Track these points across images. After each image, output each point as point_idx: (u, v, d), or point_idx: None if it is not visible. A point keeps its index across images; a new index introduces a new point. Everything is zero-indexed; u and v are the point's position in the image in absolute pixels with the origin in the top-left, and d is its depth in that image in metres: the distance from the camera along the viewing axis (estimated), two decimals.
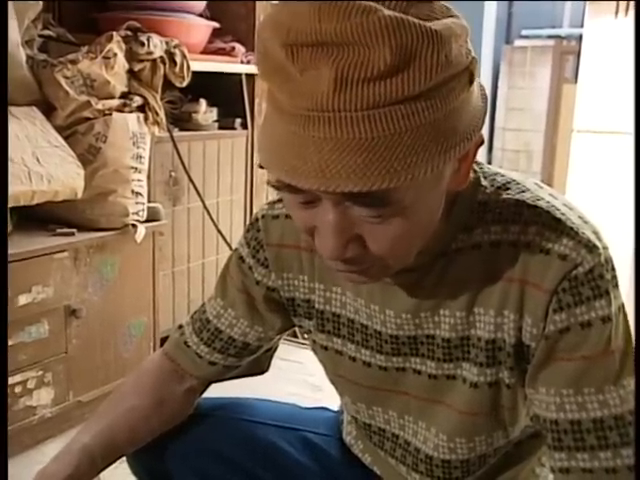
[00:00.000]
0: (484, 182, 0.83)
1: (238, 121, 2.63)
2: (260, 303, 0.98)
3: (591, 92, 3.10)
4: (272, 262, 0.95)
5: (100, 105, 1.99)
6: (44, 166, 1.82)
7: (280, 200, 0.93)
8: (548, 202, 0.80)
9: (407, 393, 0.90)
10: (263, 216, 0.96)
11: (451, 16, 0.68)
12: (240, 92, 2.62)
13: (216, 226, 2.50)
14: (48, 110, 1.96)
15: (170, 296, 2.43)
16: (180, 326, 1.06)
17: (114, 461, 1.01)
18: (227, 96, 2.61)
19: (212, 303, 1.02)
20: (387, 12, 0.63)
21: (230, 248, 2.56)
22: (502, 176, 0.84)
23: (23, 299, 1.80)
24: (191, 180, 2.39)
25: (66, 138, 1.94)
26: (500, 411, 0.85)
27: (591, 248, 0.76)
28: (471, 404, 0.85)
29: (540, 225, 0.78)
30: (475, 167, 0.83)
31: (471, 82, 0.69)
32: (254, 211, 2.75)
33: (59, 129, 1.94)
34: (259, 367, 1.10)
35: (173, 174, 2.37)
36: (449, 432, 0.88)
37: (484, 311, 0.81)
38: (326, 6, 0.63)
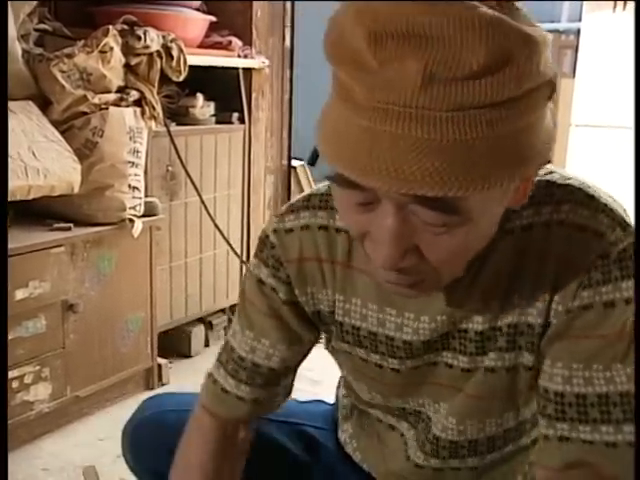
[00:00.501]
0: None
1: (235, 115, 2.62)
2: (293, 322, 0.93)
3: (589, 86, 3.10)
4: (294, 278, 0.90)
5: (97, 99, 1.98)
6: (40, 161, 1.81)
7: (291, 211, 0.90)
8: (578, 180, 0.79)
9: (436, 383, 0.89)
10: (275, 230, 0.90)
11: (533, 25, 0.65)
12: (237, 86, 2.61)
13: (213, 221, 2.49)
14: (44, 104, 1.95)
15: (167, 291, 2.43)
16: (210, 374, 1.00)
17: None
18: (224, 90, 2.60)
19: (239, 338, 0.95)
20: (487, 10, 0.60)
21: (228, 243, 2.56)
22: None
23: (20, 294, 1.79)
24: (188, 175, 2.39)
25: (62, 132, 1.94)
26: (515, 393, 0.85)
27: (625, 227, 0.75)
28: (486, 389, 0.85)
29: (573, 203, 0.76)
30: None
31: (550, 96, 0.66)
32: (251, 206, 2.75)
33: (55, 123, 1.93)
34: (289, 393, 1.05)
35: (170, 169, 2.36)
36: (460, 415, 0.89)
37: (517, 296, 0.80)
38: None
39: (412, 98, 0.60)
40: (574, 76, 3.23)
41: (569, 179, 0.79)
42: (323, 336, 0.97)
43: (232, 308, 2.80)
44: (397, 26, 0.60)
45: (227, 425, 0.98)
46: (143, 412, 1.11)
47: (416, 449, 0.95)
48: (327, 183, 0.89)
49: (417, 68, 0.59)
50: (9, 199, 1.75)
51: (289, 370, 0.98)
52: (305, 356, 1.00)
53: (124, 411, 2.14)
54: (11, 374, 1.81)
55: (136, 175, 2.09)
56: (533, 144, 0.64)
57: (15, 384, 1.83)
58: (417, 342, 0.85)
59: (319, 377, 2.20)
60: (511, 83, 0.60)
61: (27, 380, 1.86)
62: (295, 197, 0.94)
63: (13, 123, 1.78)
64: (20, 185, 1.76)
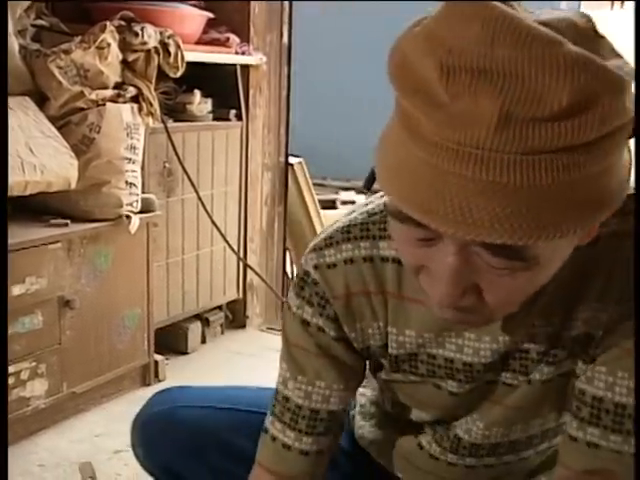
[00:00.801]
0: None
1: (233, 112, 2.62)
2: (346, 357, 0.88)
3: None
4: (342, 315, 0.86)
5: (94, 95, 1.98)
6: (37, 156, 1.81)
7: (330, 245, 0.85)
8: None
9: (490, 400, 0.87)
10: (316, 267, 0.85)
11: (617, 56, 0.62)
12: (235, 83, 2.61)
13: (210, 217, 2.49)
14: (41, 100, 1.95)
15: (164, 287, 2.43)
16: (265, 430, 0.93)
17: None
18: (221, 87, 2.60)
19: (292, 386, 0.90)
20: (573, 48, 0.56)
21: (225, 240, 2.56)
22: None
23: (17, 290, 1.79)
24: (185, 171, 2.39)
25: (59, 128, 1.94)
26: (559, 399, 0.84)
27: None
28: (531, 400, 0.84)
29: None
30: None
31: (632, 134, 0.62)
32: (248, 203, 2.74)
33: (52, 119, 1.93)
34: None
35: (167, 165, 2.36)
36: (490, 422, 0.88)
37: (581, 309, 0.77)
38: (503, 29, 0.56)
39: (486, 139, 0.56)
40: None
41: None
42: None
43: (229, 305, 2.81)
44: (473, 59, 0.56)
45: None
46: (153, 407, 1.10)
47: (432, 442, 0.94)
48: (362, 209, 0.86)
49: (493, 107, 0.56)
50: None
51: (345, 410, 0.93)
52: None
53: (120, 407, 2.16)
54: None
55: (133, 171, 2.09)
56: (611, 187, 0.60)
57: (11, 380, 1.83)
58: (478, 364, 0.83)
59: None
60: (594, 126, 0.56)
61: (23, 376, 1.86)
62: (329, 228, 0.88)
63: (10, 119, 1.78)
64: (17, 181, 1.76)
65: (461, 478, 0.95)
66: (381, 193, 0.85)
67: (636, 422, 0.75)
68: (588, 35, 0.61)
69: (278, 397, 0.92)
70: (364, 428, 1.05)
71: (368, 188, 0.79)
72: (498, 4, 0.58)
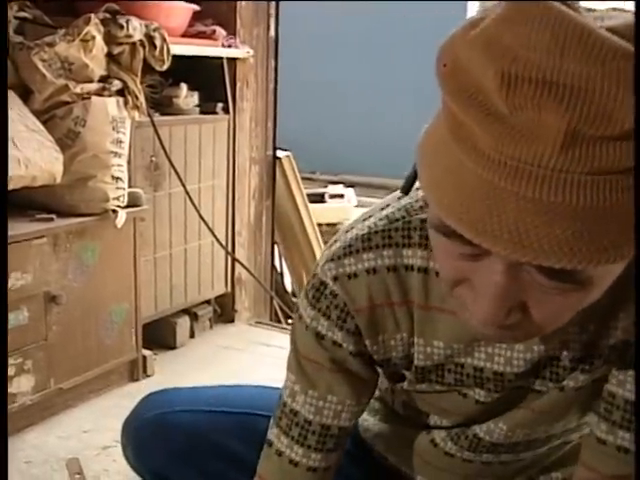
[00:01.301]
0: None
1: (220, 105, 2.60)
2: (361, 372, 0.85)
3: None
4: (365, 328, 0.81)
5: (79, 89, 1.96)
6: (22, 150, 1.79)
7: (349, 253, 0.80)
8: None
9: (516, 406, 0.85)
10: (336, 278, 0.80)
11: None
12: (221, 76, 2.59)
13: (198, 212, 2.48)
14: (25, 94, 1.93)
15: (152, 282, 2.41)
16: (270, 443, 0.89)
17: None
18: (208, 80, 2.58)
19: (302, 400, 0.85)
20: None
21: (213, 234, 2.55)
22: None
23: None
24: (172, 165, 2.37)
25: (44, 122, 1.91)
26: (589, 402, 0.82)
27: None
28: (560, 405, 0.82)
29: None
30: None
31: None
32: (236, 197, 2.73)
33: (37, 113, 1.91)
34: None
35: (154, 159, 2.34)
36: (515, 425, 0.86)
37: (620, 317, 0.75)
38: (575, 40, 0.52)
39: (550, 159, 0.52)
40: None
41: None
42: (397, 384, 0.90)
43: (217, 299, 2.80)
44: (539, 72, 0.52)
45: None
46: (144, 411, 1.08)
47: (447, 440, 0.91)
48: (381, 214, 0.81)
49: (559, 124, 0.52)
50: None
51: (354, 425, 0.90)
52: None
53: (108, 403, 2.14)
54: None
55: (119, 165, 2.07)
56: None
57: None
58: (510, 374, 0.80)
59: None
60: None
61: (9, 372, 1.84)
62: (346, 235, 0.83)
63: None
64: None
65: (475, 474, 0.94)
66: (396, 194, 0.81)
67: (636, 422, 0.75)
68: None
69: (285, 410, 0.88)
70: (368, 421, 1.03)
71: (406, 192, 0.72)
72: (564, 8, 0.53)
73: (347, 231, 0.83)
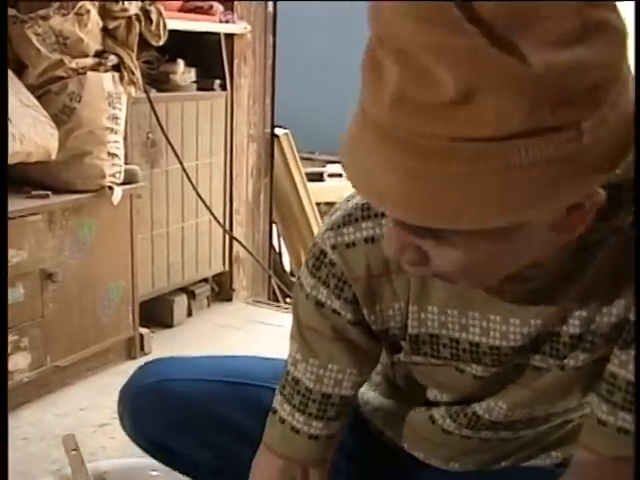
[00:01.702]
0: None
1: (217, 82, 2.58)
2: (362, 341, 0.85)
3: None
4: (362, 297, 0.82)
5: (74, 64, 1.94)
6: (16, 126, 1.77)
7: (348, 222, 0.81)
8: None
9: (516, 383, 0.85)
10: (334, 247, 0.82)
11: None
12: (219, 52, 2.56)
13: (195, 189, 2.46)
14: (19, 68, 1.91)
15: (149, 260, 2.40)
16: (274, 411, 0.91)
17: None
18: (205, 56, 2.55)
19: (303, 368, 0.87)
20: (470, 36, 0.55)
21: (210, 212, 2.53)
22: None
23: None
24: (169, 142, 2.35)
25: (39, 98, 1.89)
26: (591, 382, 0.82)
27: None
28: (560, 384, 0.82)
29: None
30: None
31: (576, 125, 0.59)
32: (234, 175, 2.71)
33: (31, 88, 1.89)
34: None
35: (150, 136, 2.32)
36: (515, 404, 0.86)
37: (620, 295, 0.75)
38: (427, 10, 0.55)
39: (382, 116, 0.58)
40: None
41: None
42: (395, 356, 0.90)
43: (215, 277, 2.79)
44: (395, 37, 0.56)
45: (298, 469, 0.90)
46: (142, 379, 1.08)
47: (446, 417, 0.91)
48: None
49: (390, 84, 0.57)
50: None
51: (356, 394, 0.91)
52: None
53: (105, 381, 2.14)
54: None
55: (115, 142, 2.05)
56: (517, 189, 0.57)
57: None
58: (506, 348, 0.80)
59: None
60: (485, 121, 0.55)
61: None
62: (346, 204, 0.84)
63: None
64: None
65: (472, 450, 0.94)
66: None
67: (636, 422, 0.74)
68: None
69: (288, 378, 0.89)
70: (368, 395, 1.03)
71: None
72: None
73: (348, 200, 0.84)
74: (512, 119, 0.54)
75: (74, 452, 1.41)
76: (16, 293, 1.84)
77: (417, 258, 0.67)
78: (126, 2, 2.00)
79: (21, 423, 1.87)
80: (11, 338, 1.84)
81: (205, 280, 2.75)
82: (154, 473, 1.42)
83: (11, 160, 1.78)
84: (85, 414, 1.93)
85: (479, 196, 0.57)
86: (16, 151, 1.77)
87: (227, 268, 2.78)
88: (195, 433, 1.02)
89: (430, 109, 0.56)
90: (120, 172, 2.07)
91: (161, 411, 1.03)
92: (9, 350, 1.84)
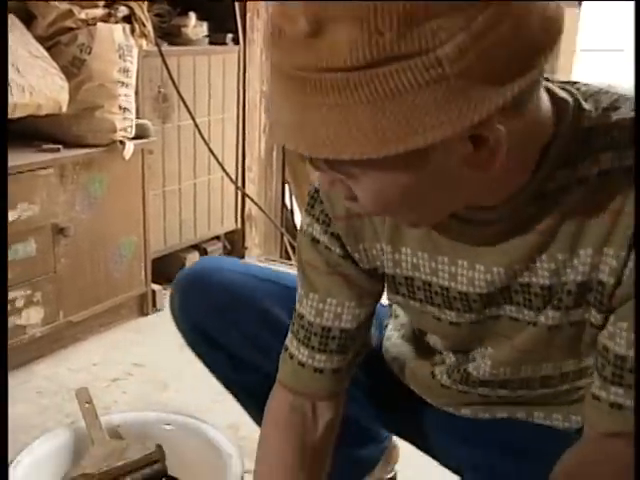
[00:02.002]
0: (586, 105, 0.71)
1: (229, 36, 2.53)
2: (355, 276, 0.88)
3: (595, 12, 3.02)
4: (344, 235, 0.86)
5: (83, 14, 1.90)
6: (25, 77, 1.74)
7: None
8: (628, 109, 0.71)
9: (495, 333, 0.85)
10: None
11: None
12: (231, 6, 2.51)
13: (207, 145, 2.43)
14: (28, 19, 1.87)
15: (161, 216, 2.38)
16: (285, 348, 0.95)
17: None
18: (218, 10, 2.50)
19: (305, 303, 0.91)
20: None
21: (222, 168, 2.50)
22: (606, 93, 0.72)
23: (9, 216, 1.74)
24: (181, 97, 2.31)
25: (48, 49, 1.86)
26: (574, 347, 0.81)
27: None
28: (539, 344, 0.81)
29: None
30: (570, 89, 0.72)
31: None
32: (246, 131, 2.68)
33: (40, 39, 1.85)
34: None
35: (162, 90, 2.28)
36: (497, 362, 0.87)
37: (586, 251, 0.73)
38: None
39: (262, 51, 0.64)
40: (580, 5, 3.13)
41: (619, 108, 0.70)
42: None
43: (227, 235, 2.77)
44: None
45: (308, 404, 0.93)
46: (198, 266, 1.13)
47: (443, 372, 0.94)
48: None
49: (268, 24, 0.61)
50: None
51: (361, 329, 0.92)
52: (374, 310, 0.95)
53: (118, 336, 2.14)
54: None
55: (126, 95, 2.02)
56: (386, 127, 0.58)
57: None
58: (473, 294, 0.81)
59: None
60: (336, 52, 0.58)
61: (18, 304, 1.83)
62: None
63: None
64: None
65: (472, 403, 0.95)
66: None
67: (636, 422, 0.71)
68: None
69: (295, 314, 0.93)
70: (391, 339, 1.04)
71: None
72: None
73: None
74: (362, 49, 0.56)
75: (88, 405, 1.41)
76: (28, 247, 1.83)
77: (347, 193, 0.70)
78: None
79: (35, 377, 1.87)
80: (24, 292, 1.84)
81: (217, 238, 2.73)
82: (167, 427, 1.42)
83: (21, 112, 1.75)
84: (98, 369, 1.93)
85: (355, 126, 0.59)
86: (25, 103, 1.74)
87: (239, 226, 2.76)
88: (239, 324, 1.05)
89: (296, 42, 0.59)
90: (131, 126, 2.04)
91: (209, 296, 1.05)
92: (22, 304, 1.84)
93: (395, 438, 1.35)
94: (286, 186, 3.05)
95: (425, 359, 0.97)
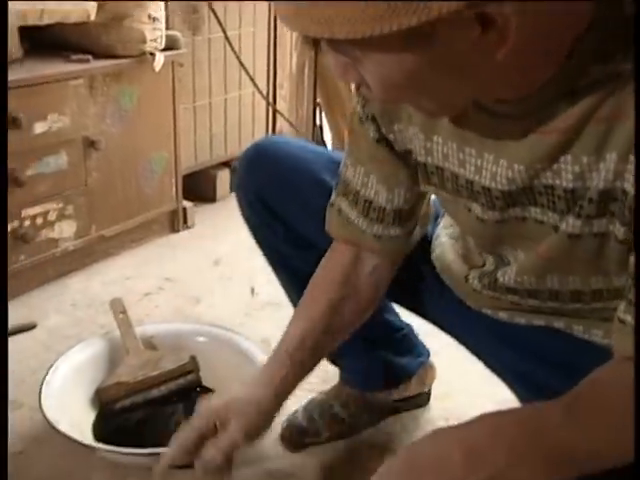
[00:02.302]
0: None
1: None
2: (390, 160, 0.91)
3: None
4: (379, 116, 0.88)
5: None
6: None
7: None
8: None
9: (521, 236, 0.83)
10: None
11: None
12: None
13: (238, 59, 2.36)
14: None
15: (191, 132, 2.35)
16: (332, 204, 1.00)
17: (317, 363, 1.02)
18: None
19: (351, 172, 0.96)
20: None
21: (254, 83, 2.44)
22: None
23: (39, 127, 1.72)
24: (211, 8, 2.24)
25: None
26: (596, 261, 0.78)
27: None
28: (561, 253, 0.79)
29: None
30: None
31: None
32: (278, 46, 2.60)
33: None
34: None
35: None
36: (520, 269, 0.86)
37: (611, 156, 0.69)
38: None
39: None
40: None
41: None
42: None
43: None
44: None
45: (355, 253, 0.99)
46: (265, 140, 1.18)
47: (475, 277, 0.95)
48: None
49: None
50: (20, 23, 1.65)
51: (403, 213, 0.95)
52: (424, 199, 0.98)
53: (149, 252, 2.14)
54: (34, 210, 1.78)
55: (156, 5, 1.95)
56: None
57: (39, 221, 1.80)
58: (495, 190, 0.79)
59: None
60: None
61: (51, 217, 1.83)
62: None
63: None
64: (31, 8, 1.65)
65: (509, 308, 0.94)
66: None
67: (636, 421, 0.67)
68: None
69: (341, 179, 0.98)
70: (439, 238, 1.05)
71: None
72: None
73: None
74: None
75: (122, 315, 1.42)
76: (59, 160, 1.81)
77: (358, 79, 0.69)
78: None
79: (69, 290, 1.88)
80: (56, 205, 1.83)
81: None
82: (201, 339, 1.42)
83: (49, 19, 1.71)
84: (131, 283, 1.94)
85: (349, 5, 0.58)
86: (53, 9, 1.69)
87: None
88: (299, 193, 1.08)
89: None
90: (161, 37, 1.98)
91: (273, 166, 1.09)
92: (54, 217, 1.84)
93: (433, 359, 1.36)
94: (318, 108, 2.98)
95: (463, 262, 0.98)
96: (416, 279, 1.09)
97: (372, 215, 0.95)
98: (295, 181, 1.08)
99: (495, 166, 0.78)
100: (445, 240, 1.03)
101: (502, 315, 0.96)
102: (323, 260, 1.02)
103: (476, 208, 0.83)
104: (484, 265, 0.94)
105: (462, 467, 0.60)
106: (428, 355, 1.36)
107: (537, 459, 0.62)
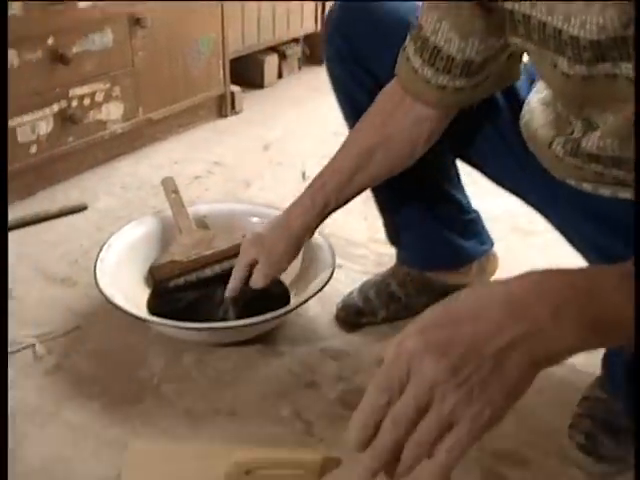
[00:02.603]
0: None
1: None
2: (468, 6, 0.84)
3: None
4: None
5: None
6: None
7: None
8: None
9: (618, 100, 0.77)
10: None
11: None
12: None
13: None
14: None
15: (239, 14, 2.25)
16: (404, 49, 0.95)
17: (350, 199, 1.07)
18: None
19: (424, 18, 0.89)
20: None
21: None
22: None
23: (82, 3, 1.66)
24: None
25: None
26: None
27: None
28: None
29: None
30: None
31: None
32: None
33: None
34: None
35: None
36: (605, 131, 0.81)
37: None
38: None
39: None
40: None
41: None
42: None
43: (306, 39, 2.63)
44: None
45: (407, 99, 0.97)
46: None
47: (560, 143, 0.90)
48: None
49: None
50: None
51: (473, 65, 0.89)
52: (503, 54, 0.90)
53: (197, 137, 2.10)
54: (81, 90, 1.74)
55: None
56: None
57: (87, 101, 1.76)
58: (583, 39, 0.72)
59: None
60: None
61: (98, 98, 1.79)
62: None
63: None
64: None
65: (592, 180, 0.90)
66: None
67: (636, 420, 0.60)
68: None
69: (415, 22, 0.92)
70: (530, 104, 0.99)
71: None
72: None
73: None
74: None
75: (174, 195, 1.39)
76: (105, 38, 1.75)
77: None
78: None
79: (117, 173, 1.86)
80: (103, 86, 1.79)
81: (296, 40, 2.60)
82: (254, 219, 1.39)
83: None
84: (180, 167, 1.91)
85: None
86: None
87: (319, 29, 2.60)
88: (388, 40, 1.02)
89: None
90: None
91: (367, 12, 1.05)
92: (101, 99, 1.80)
93: (496, 249, 1.32)
94: None
95: (550, 128, 0.92)
96: (503, 146, 1.04)
97: (438, 64, 0.90)
98: (387, 31, 1.03)
99: (585, 15, 0.71)
100: (536, 106, 0.97)
101: (586, 186, 0.91)
102: (377, 98, 1.01)
103: (562, 62, 0.77)
104: (572, 133, 0.88)
105: (502, 315, 0.56)
106: (492, 245, 1.31)
107: (584, 319, 0.58)
